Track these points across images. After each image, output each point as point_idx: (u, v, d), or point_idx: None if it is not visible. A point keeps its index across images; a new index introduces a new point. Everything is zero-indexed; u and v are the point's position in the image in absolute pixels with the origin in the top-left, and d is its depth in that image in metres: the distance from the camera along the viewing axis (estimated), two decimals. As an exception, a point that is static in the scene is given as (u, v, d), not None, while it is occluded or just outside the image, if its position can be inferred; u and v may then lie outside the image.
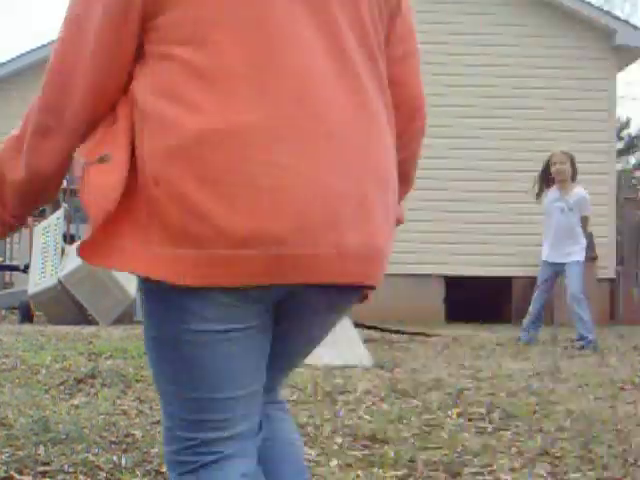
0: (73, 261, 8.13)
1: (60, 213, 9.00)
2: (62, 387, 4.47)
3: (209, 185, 1.37)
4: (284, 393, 4.44)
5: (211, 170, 1.38)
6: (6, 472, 2.87)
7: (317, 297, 1.55)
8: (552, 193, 7.33)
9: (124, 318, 8.56)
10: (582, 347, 6.95)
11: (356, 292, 1.63)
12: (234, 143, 1.38)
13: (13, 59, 13.58)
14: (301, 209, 1.42)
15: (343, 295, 1.59)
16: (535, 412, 4.08)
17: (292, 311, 1.58)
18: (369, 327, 7.69)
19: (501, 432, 3.68)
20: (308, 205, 1.42)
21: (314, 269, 1.46)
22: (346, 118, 1.48)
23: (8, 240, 12.16)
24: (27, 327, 7.64)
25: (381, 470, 3.03)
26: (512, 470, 3.07)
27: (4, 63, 13.86)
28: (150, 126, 1.42)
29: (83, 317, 8.34)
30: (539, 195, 7.41)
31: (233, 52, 1.42)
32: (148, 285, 1.49)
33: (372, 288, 1.62)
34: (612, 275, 11.70)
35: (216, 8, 1.42)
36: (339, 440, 3.45)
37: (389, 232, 1.67)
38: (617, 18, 12.48)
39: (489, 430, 3.71)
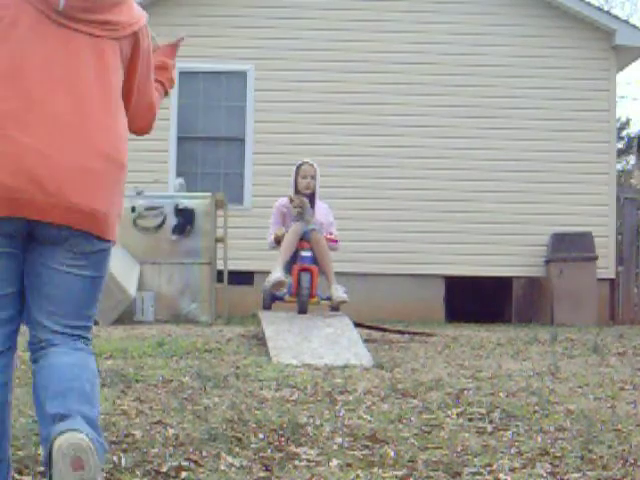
0: (73, 261, 8.13)
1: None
2: (62, 387, 4.46)
3: None
4: (284, 393, 4.44)
5: None
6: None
7: (45, 232, 2.33)
8: None
9: (124, 318, 8.56)
10: None
11: (76, 233, 2.35)
12: None
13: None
14: (27, 169, 2.25)
15: (62, 232, 2.34)
16: (535, 412, 4.08)
17: (35, 245, 2.36)
18: (369, 327, 7.68)
19: (501, 432, 3.68)
20: (35, 168, 2.25)
21: (32, 210, 2.27)
22: (69, 110, 2.33)
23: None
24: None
25: (381, 470, 3.03)
26: (512, 470, 3.07)
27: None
28: None
29: (83, 317, 8.34)
30: None
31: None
32: None
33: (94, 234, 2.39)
34: (612, 275, 11.70)
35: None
36: (339, 440, 3.45)
37: (103, 191, 2.40)
38: (617, 18, 12.46)
39: (489, 430, 3.71)
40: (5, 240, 2.35)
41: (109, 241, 2.46)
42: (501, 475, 3.01)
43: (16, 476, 2.84)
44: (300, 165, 7.28)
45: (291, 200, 7.13)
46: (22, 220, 2.31)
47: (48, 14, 2.38)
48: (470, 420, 3.91)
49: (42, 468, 2.91)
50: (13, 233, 2.34)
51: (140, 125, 2.74)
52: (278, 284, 6.82)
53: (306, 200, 7.10)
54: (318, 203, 7.29)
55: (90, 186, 2.35)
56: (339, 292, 6.92)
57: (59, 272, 2.39)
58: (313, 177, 7.20)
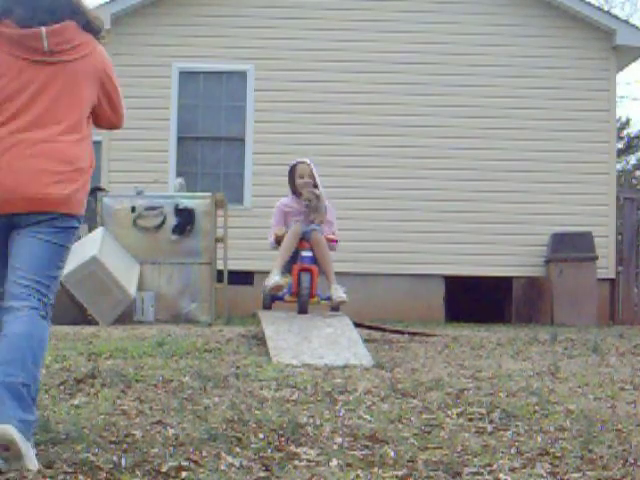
0: (73, 261, 8.13)
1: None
2: (62, 387, 4.47)
3: None
4: (284, 393, 4.45)
5: None
6: (6, 472, 2.86)
7: (20, 219, 3.12)
8: None
9: (124, 318, 8.56)
10: None
11: (40, 215, 3.13)
12: None
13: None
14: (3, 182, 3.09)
15: (31, 215, 3.13)
16: (535, 412, 4.08)
17: (15, 230, 3.15)
18: (369, 327, 7.68)
19: (501, 432, 3.68)
20: (8, 180, 3.09)
21: (10, 206, 3.09)
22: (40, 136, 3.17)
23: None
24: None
25: (381, 470, 3.03)
26: (512, 470, 3.07)
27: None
28: None
29: (83, 317, 8.35)
30: None
31: None
32: None
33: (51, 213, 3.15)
34: (612, 275, 11.70)
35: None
36: (339, 440, 3.45)
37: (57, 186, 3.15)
38: (617, 18, 12.47)
39: (489, 430, 3.71)
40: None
41: (73, 217, 3.19)
42: (501, 475, 3.01)
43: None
44: (294, 166, 7.27)
45: (301, 194, 7.10)
46: (5, 215, 3.15)
47: (31, 58, 3.20)
48: (470, 420, 3.91)
49: (42, 468, 2.91)
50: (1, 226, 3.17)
51: (115, 119, 3.47)
52: (276, 288, 6.83)
53: (319, 192, 7.08)
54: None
55: (44, 181, 3.13)
56: (339, 292, 6.91)
57: (30, 239, 3.13)
58: (310, 175, 7.20)
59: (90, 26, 3.32)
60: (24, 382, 2.92)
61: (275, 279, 6.77)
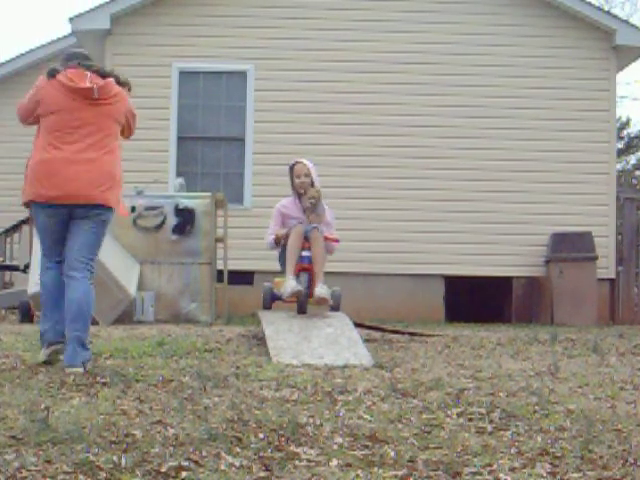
0: (73, 261, 8.12)
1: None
2: (62, 387, 4.47)
3: (36, 177, 5.17)
4: (284, 393, 4.45)
5: (37, 173, 5.17)
6: (6, 472, 2.86)
7: (74, 210, 5.14)
8: None
9: (124, 318, 8.56)
10: None
11: (88, 208, 5.14)
12: (45, 165, 5.16)
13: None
14: (59, 186, 5.11)
15: (84, 209, 5.14)
16: (535, 412, 4.08)
17: (71, 218, 5.17)
18: (369, 327, 7.68)
19: (501, 432, 3.68)
20: (62, 185, 5.11)
21: (63, 199, 5.12)
22: (86, 156, 5.18)
23: (8, 240, 12.14)
24: (27, 327, 7.65)
25: (381, 470, 3.03)
26: (512, 470, 3.07)
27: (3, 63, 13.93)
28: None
29: (83, 317, 8.33)
30: None
31: (50, 128, 5.20)
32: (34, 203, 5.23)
33: (96, 207, 5.19)
34: (612, 275, 11.70)
35: (50, 107, 5.21)
36: (339, 440, 3.45)
37: (96, 190, 5.15)
38: (617, 18, 12.47)
39: (489, 430, 3.71)
40: (57, 218, 5.13)
41: (110, 210, 5.17)
42: (501, 475, 3.01)
43: (17, 474, 2.84)
44: (293, 166, 7.27)
45: (305, 192, 7.08)
46: (63, 206, 5.11)
47: (82, 99, 5.10)
48: (470, 420, 3.91)
49: (42, 468, 2.91)
50: (60, 214, 5.12)
51: (127, 135, 5.45)
52: (296, 293, 6.70)
53: (321, 192, 7.09)
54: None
55: (91, 187, 5.11)
56: (322, 290, 6.77)
57: (84, 231, 5.11)
58: (307, 175, 7.19)
59: (121, 83, 5.26)
60: (85, 333, 5.05)
61: (292, 284, 6.67)
